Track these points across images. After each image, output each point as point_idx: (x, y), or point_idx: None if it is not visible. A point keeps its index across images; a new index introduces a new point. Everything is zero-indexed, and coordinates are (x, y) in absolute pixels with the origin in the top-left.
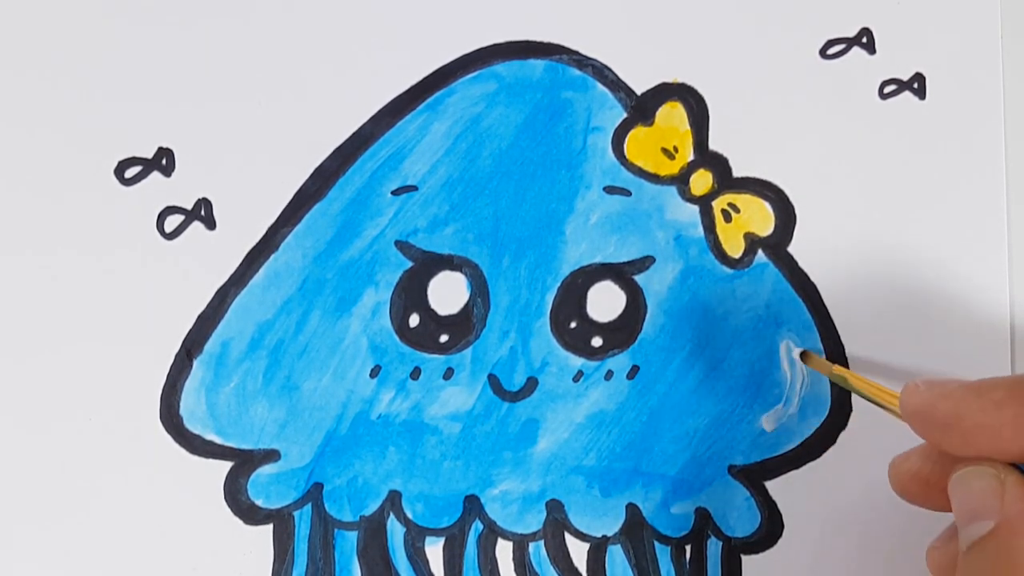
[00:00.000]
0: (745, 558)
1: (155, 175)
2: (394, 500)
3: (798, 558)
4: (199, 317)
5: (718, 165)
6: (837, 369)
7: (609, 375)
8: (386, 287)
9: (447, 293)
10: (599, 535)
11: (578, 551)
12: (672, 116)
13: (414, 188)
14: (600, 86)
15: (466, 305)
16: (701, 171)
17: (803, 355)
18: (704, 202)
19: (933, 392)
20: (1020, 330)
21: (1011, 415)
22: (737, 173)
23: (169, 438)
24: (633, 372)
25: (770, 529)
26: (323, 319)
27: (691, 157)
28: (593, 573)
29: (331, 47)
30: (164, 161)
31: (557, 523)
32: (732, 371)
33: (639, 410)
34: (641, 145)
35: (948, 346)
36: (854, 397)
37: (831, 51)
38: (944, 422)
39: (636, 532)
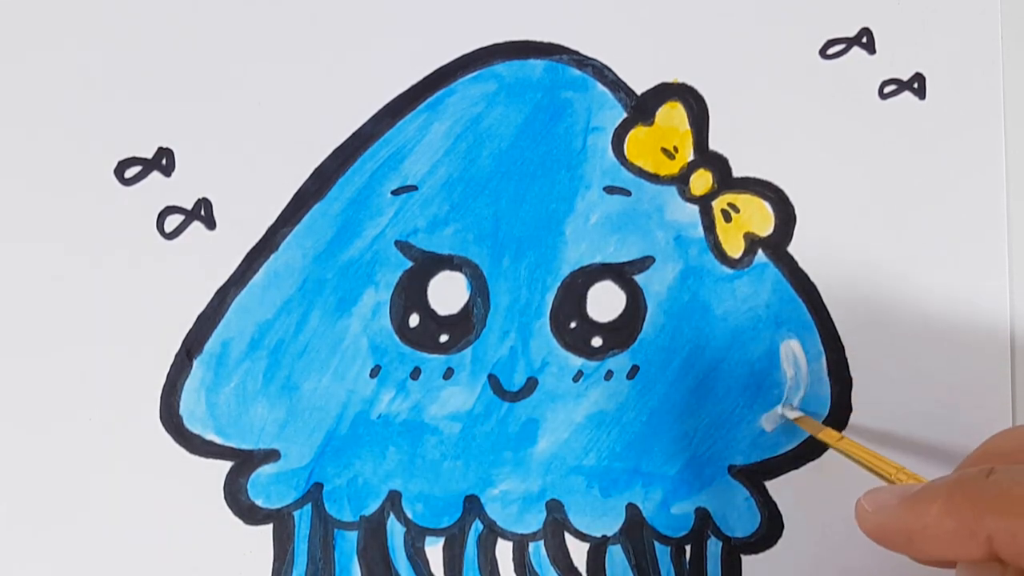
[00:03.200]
0: (745, 558)
1: (155, 175)
2: (394, 500)
3: (798, 558)
4: (199, 317)
5: (718, 165)
6: (826, 431)
7: (609, 375)
8: (386, 287)
9: (447, 293)
10: (599, 535)
11: (578, 551)
12: (672, 116)
13: (414, 188)
14: (600, 86)
15: (466, 305)
16: (701, 171)
17: (798, 420)
18: (704, 202)
19: (880, 515)
20: (1020, 330)
21: (952, 528)
22: (737, 173)
23: (169, 438)
24: (633, 372)
25: (770, 529)
26: (323, 319)
27: (691, 157)
28: (593, 573)
29: (331, 47)
30: (164, 161)
31: (557, 523)
32: (732, 371)
33: (639, 410)
34: (641, 145)
35: (948, 346)
36: (854, 397)
37: (831, 51)
38: (901, 539)
39: (636, 532)
